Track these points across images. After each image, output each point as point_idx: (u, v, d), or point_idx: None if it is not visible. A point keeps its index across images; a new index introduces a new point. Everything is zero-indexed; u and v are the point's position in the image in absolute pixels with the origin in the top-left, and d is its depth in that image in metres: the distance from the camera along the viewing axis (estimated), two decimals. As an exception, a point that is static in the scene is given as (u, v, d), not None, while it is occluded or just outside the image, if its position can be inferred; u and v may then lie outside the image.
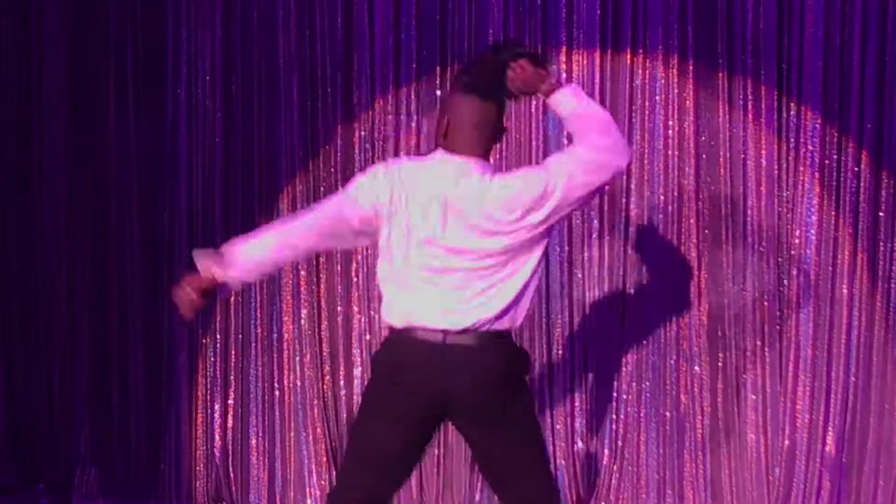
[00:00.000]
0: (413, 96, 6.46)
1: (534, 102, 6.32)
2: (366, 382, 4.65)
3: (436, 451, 6.40)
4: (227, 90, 6.55)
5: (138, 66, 6.64)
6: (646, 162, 6.33)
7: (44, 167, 6.73)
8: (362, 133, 6.48)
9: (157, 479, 6.61)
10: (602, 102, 6.34)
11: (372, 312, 6.40)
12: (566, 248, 6.38)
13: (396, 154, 6.43)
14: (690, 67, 6.27)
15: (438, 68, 6.42)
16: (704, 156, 6.29)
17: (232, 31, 6.54)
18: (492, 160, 6.05)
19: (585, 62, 6.37)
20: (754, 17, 6.21)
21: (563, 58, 6.36)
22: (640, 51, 6.32)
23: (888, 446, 6.17)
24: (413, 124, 6.45)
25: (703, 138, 6.28)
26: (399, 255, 4.27)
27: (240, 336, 6.56)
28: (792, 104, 6.24)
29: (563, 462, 6.34)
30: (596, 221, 6.37)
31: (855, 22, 6.16)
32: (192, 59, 6.56)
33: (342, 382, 6.46)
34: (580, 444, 6.37)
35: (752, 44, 6.24)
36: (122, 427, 6.68)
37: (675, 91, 6.29)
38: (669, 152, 6.29)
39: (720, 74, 6.25)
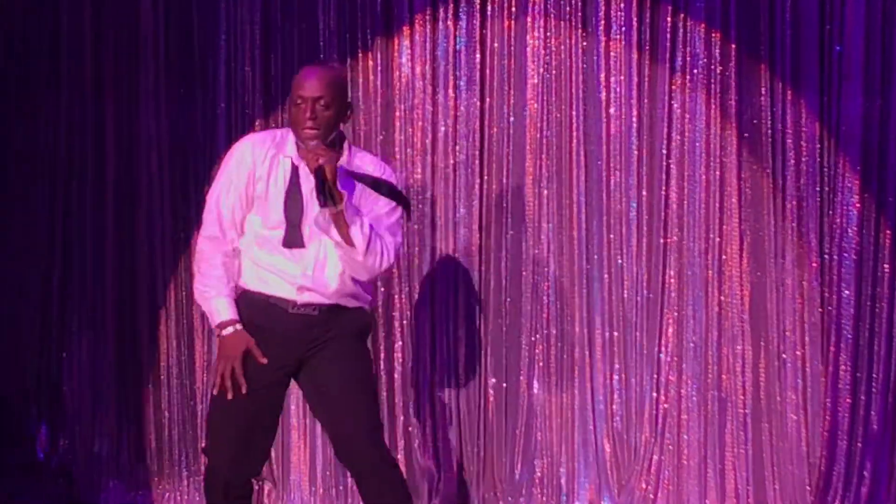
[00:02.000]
0: (451, 74, 6.44)
1: (574, 105, 6.33)
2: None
3: (477, 430, 6.41)
4: (265, 70, 6.55)
5: (170, 55, 6.65)
6: (686, 140, 6.31)
7: (72, 151, 6.75)
8: (402, 111, 6.47)
9: (197, 457, 6.63)
10: (640, 82, 6.34)
11: (414, 290, 6.42)
12: (604, 228, 6.36)
13: (435, 133, 6.44)
14: (732, 45, 6.24)
15: (478, 44, 6.40)
16: (747, 134, 6.26)
17: (271, 11, 6.54)
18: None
19: (624, 40, 6.34)
20: (795, -6, 6.20)
21: (601, 34, 6.34)
22: (681, 28, 6.29)
23: (931, 426, 6.16)
24: (450, 101, 6.43)
25: (746, 117, 6.26)
26: None
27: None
28: (833, 83, 6.20)
29: (604, 441, 6.34)
30: (635, 202, 6.35)
31: (898, -2, 6.14)
32: (230, 38, 6.56)
33: (382, 361, 6.46)
34: (620, 423, 6.36)
35: (792, 21, 6.20)
36: (158, 404, 6.70)
37: (718, 69, 6.26)
38: (712, 130, 6.27)
39: (762, 52, 6.22)
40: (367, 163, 4.82)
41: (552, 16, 6.38)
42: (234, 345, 4.71)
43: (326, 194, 4.56)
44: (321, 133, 4.64)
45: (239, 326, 4.72)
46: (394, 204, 4.73)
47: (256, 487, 6.53)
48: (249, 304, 4.77)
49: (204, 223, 4.86)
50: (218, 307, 4.74)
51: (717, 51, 6.25)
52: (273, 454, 6.55)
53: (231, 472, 4.80)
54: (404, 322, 6.44)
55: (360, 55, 6.47)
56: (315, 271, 4.72)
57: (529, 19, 6.40)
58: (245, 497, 4.87)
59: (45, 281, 6.79)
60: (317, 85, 4.65)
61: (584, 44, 6.37)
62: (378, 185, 4.71)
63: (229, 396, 4.69)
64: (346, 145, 4.77)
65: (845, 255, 6.19)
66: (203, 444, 5.05)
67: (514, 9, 6.40)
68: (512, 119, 6.41)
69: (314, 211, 4.65)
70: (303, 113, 4.64)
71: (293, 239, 4.72)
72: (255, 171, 4.73)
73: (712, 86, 6.27)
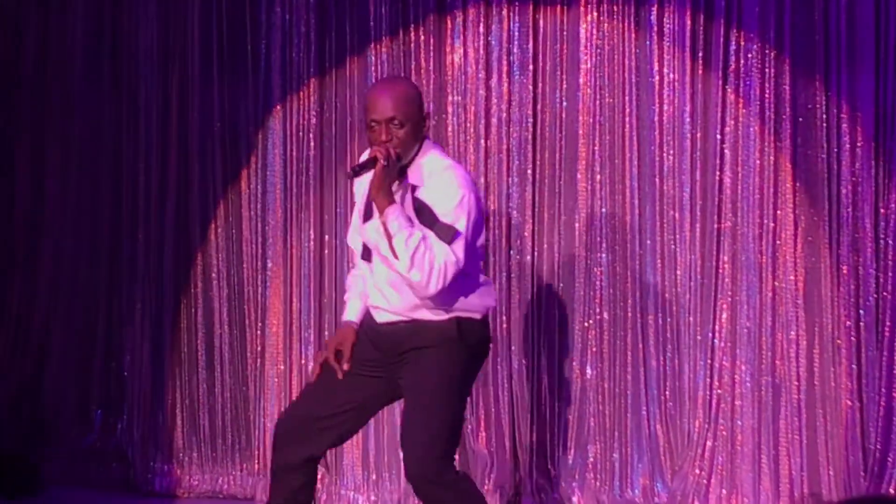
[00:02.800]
0: (504, 59, 6.44)
1: (627, 89, 6.32)
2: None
3: (530, 416, 6.42)
4: (321, 54, 6.57)
5: (223, 29, 6.69)
6: (740, 125, 6.29)
7: (138, 129, 6.81)
8: (455, 98, 6.47)
9: (249, 442, 6.66)
10: (694, 66, 6.32)
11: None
12: (657, 213, 6.35)
13: (488, 118, 6.44)
14: (787, 28, 6.21)
15: (531, 29, 6.39)
16: (801, 119, 6.23)
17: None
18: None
19: (677, 26, 6.32)
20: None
21: (654, 19, 6.32)
22: (735, 11, 6.26)
23: None
24: (504, 86, 6.43)
25: (801, 101, 6.23)
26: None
27: (332, 301, 6.59)
28: (889, 66, 6.15)
29: (657, 427, 6.33)
30: (688, 187, 6.33)
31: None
32: (285, 23, 6.58)
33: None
34: (674, 409, 6.34)
35: (847, 3, 6.16)
36: (212, 389, 6.73)
37: (772, 54, 6.22)
38: (766, 115, 6.24)
39: (817, 35, 6.19)
40: (431, 170, 4.67)
41: (605, 0, 6.36)
42: (334, 338, 4.89)
43: (362, 173, 4.59)
44: (400, 152, 4.60)
45: (350, 325, 4.86)
46: (448, 222, 4.60)
47: (321, 473, 6.54)
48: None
49: None
50: (347, 306, 4.94)
51: (772, 34, 6.22)
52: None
53: (280, 447, 4.82)
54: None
55: (413, 39, 6.48)
56: (383, 289, 4.72)
57: (582, 4, 6.39)
58: (290, 472, 4.83)
59: (111, 269, 6.85)
60: (388, 105, 4.61)
61: (637, 28, 6.35)
62: (420, 210, 4.64)
63: (312, 379, 4.84)
64: (416, 159, 4.69)
65: (900, 240, 6.16)
66: None
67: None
68: (565, 104, 6.41)
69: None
70: (377, 135, 4.61)
71: (365, 252, 4.79)
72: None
73: (767, 70, 6.24)
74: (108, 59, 6.83)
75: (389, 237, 4.53)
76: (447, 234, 4.58)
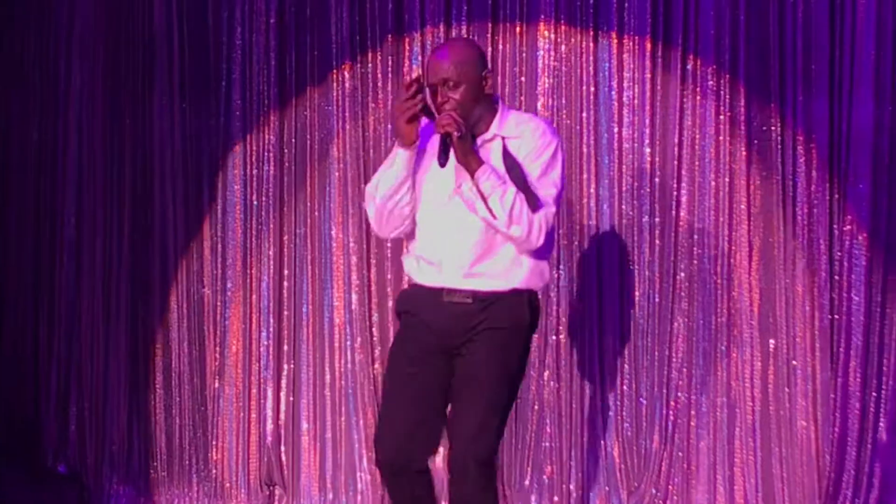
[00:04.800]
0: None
1: (585, 111, 6.35)
2: None
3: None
4: (281, 78, 6.59)
5: (185, 56, 6.70)
6: (697, 147, 6.32)
7: (81, 161, 6.81)
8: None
9: (207, 463, 6.65)
10: (653, 88, 6.36)
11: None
12: (617, 233, 6.38)
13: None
14: (742, 51, 6.25)
15: (489, 50, 6.43)
16: (756, 141, 6.27)
17: (286, 19, 6.59)
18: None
19: (635, 49, 6.36)
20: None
21: (613, 42, 6.38)
22: (693, 33, 6.30)
23: (940, 433, 6.15)
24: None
25: (756, 124, 6.27)
26: None
27: (292, 321, 6.60)
28: (844, 89, 6.18)
29: (613, 447, 6.34)
30: (647, 206, 6.36)
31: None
32: (245, 48, 6.60)
33: (392, 367, 6.46)
34: (630, 429, 6.36)
35: (804, 27, 6.20)
36: (169, 409, 6.72)
37: (727, 78, 6.26)
38: (721, 137, 6.28)
39: (772, 59, 6.23)
40: (518, 122, 4.65)
41: (563, 23, 6.40)
42: None
43: (448, 156, 4.51)
44: (460, 112, 4.54)
45: None
46: (543, 169, 4.58)
47: (278, 493, 6.55)
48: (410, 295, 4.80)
49: None
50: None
51: (727, 57, 6.26)
52: (284, 459, 6.57)
53: (391, 450, 4.67)
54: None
55: (371, 58, 6.50)
56: (457, 253, 4.63)
57: (540, 26, 6.42)
58: (407, 475, 4.68)
59: (63, 287, 6.83)
60: (441, 66, 4.60)
61: (595, 50, 6.39)
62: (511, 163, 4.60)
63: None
64: (497, 115, 4.66)
65: (855, 261, 6.19)
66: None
67: (525, 15, 6.42)
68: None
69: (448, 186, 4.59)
70: (437, 99, 4.60)
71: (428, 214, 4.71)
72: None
73: (722, 93, 6.28)
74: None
75: (484, 198, 4.51)
76: (542, 184, 4.58)
